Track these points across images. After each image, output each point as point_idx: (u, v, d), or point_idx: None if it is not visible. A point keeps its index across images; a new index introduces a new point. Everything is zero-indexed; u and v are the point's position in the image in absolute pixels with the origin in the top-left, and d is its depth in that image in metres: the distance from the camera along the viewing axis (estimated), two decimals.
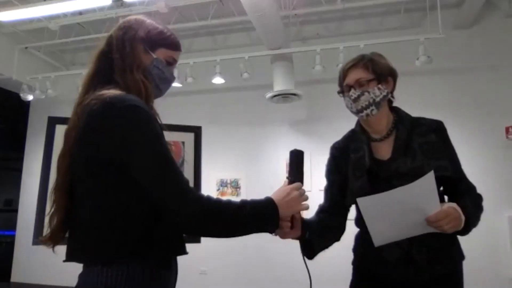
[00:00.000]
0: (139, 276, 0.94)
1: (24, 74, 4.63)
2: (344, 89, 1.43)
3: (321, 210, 1.45)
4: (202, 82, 4.31)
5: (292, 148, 1.21)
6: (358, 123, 1.48)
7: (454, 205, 1.23)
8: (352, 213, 1.44)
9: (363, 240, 1.41)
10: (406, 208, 1.17)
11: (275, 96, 4.02)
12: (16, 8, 3.84)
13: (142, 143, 0.95)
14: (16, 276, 4.98)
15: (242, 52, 4.17)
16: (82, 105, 1.02)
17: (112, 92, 0.98)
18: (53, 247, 1.07)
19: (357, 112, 1.39)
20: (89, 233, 0.97)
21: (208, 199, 0.97)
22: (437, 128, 1.40)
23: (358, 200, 1.17)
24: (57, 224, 1.05)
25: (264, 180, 4.28)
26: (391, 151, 1.36)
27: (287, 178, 1.17)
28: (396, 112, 1.47)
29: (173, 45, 1.15)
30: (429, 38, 3.63)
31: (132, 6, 4.09)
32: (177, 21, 4.43)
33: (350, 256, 1.50)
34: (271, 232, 1.07)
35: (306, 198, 1.11)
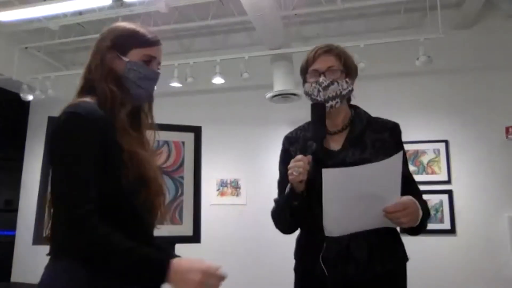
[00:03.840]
0: (81, 270, 0.98)
1: (24, 74, 4.63)
2: (310, 75, 1.38)
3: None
4: (202, 82, 4.31)
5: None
6: None
7: (413, 198, 1.19)
8: None
9: (304, 242, 1.39)
10: (367, 191, 1.14)
11: (275, 96, 4.02)
12: (16, 8, 3.83)
13: (60, 155, 1.00)
14: (16, 276, 4.97)
15: (242, 52, 4.16)
16: None
17: (76, 100, 1.05)
18: None
19: (323, 102, 1.34)
20: (51, 231, 1.06)
21: (102, 235, 0.95)
22: (392, 129, 1.41)
23: (324, 171, 1.12)
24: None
25: (264, 180, 4.28)
26: (342, 143, 1.36)
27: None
28: (355, 109, 1.46)
29: (146, 42, 1.16)
30: (429, 38, 3.63)
31: (132, 6, 4.08)
32: (177, 21, 4.43)
33: None
34: None
35: None
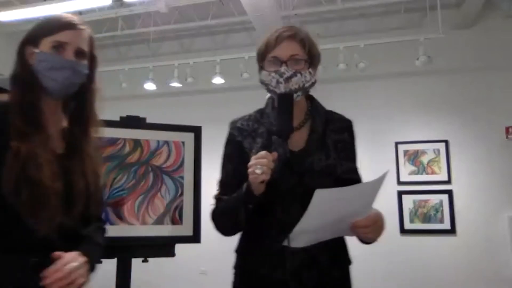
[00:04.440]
0: None
1: None
2: (269, 62, 1.20)
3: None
4: (202, 82, 4.31)
5: None
6: (271, 105, 1.29)
7: (380, 212, 1.12)
8: None
9: (254, 242, 1.22)
10: (348, 208, 1.07)
11: None
12: (16, 8, 3.84)
13: None
14: None
15: (242, 52, 4.17)
16: None
17: None
18: None
19: (291, 92, 1.19)
20: None
21: None
22: (350, 127, 1.30)
23: (317, 191, 0.99)
24: None
25: None
26: (304, 142, 1.22)
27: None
28: (311, 101, 1.32)
29: (53, 28, 1.07)
30: (429, 38, 3.64)
31: (132, 6, 4.09)
32: (177, 21, 4.43)
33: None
34: None
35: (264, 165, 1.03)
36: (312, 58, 1.23)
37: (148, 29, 4.49)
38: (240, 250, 1.27)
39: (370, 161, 4.19)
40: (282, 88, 1.17)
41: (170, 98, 4.67)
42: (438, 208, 3.87)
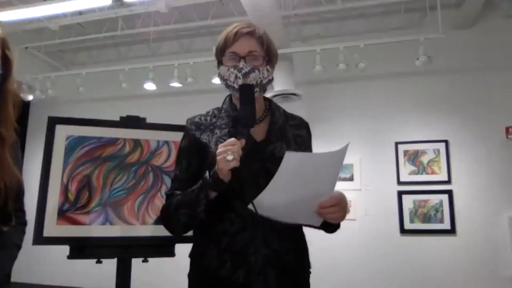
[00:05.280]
0: None
1: (24, 74, 4.63)
2: (228, 57, 1.25)
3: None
4: (202, 82, 4.31)
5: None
6: (229, 102, 1.31)
7: (342, 193, 1.12)
8: None
9: (211, 242, 1.17)
10: (314, 180, 1.06)
11: (275, 96, 4.02)
12: (16, 8, 3.83)
13: None
14: (16, 276, 4.98)
15: None
16: None
17: None
18: None
19: (253, 84, 1.22)
20: None
21: None
22: (307, 127, 1.35)
23: (287, 153, 1.01)
24: None
25: None
26: (264, 134, 1.24)
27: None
28: (269, 101, 1.35)
29: None
30: (429, 38, 3.63)
31: (132, 6, 4.08)
32: (177, 21, 4.43)
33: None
34: None
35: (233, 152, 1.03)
36: (270, 56, 1.25)
37: (148, 29, 4.49)
38: (194, 255, 1.24)
39: (370, 161, 4.20)
40: (239, 83, 1.19)
41: (170, 98, 4.68)
42: (438, 208, 3.87)
